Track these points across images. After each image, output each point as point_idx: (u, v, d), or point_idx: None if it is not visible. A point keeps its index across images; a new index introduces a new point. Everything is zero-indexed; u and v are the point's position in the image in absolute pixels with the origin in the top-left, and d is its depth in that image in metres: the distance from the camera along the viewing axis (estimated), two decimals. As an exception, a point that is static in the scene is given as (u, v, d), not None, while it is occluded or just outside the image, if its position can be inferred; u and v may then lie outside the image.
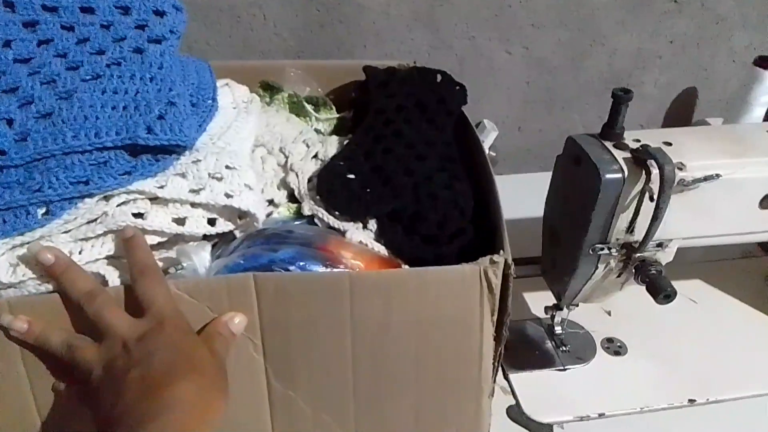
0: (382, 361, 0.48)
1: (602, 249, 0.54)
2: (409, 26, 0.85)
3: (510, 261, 0.47)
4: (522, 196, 0.69)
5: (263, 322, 0.45)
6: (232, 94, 0.64)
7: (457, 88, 0.70)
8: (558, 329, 0.67)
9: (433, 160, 0.60)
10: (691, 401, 0.61)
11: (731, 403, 0.62)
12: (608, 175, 0.50)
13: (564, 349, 0.67)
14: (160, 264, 0.49)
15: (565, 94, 0.95)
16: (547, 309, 0.66)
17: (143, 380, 0.38)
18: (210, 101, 0.57)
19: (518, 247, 0.63)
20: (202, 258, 0.49)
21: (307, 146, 0.63)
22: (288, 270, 0.46)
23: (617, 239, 0.54)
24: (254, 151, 0.60)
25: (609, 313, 0.72)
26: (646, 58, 0.95)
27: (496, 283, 0.47)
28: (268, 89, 0.73)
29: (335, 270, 0.48)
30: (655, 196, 0.49)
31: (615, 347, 0.67)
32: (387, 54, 0.87)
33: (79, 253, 0.46)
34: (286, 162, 0.60)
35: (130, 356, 0.39)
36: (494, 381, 0.55)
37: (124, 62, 0.51)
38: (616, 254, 0.55)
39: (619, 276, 0.57)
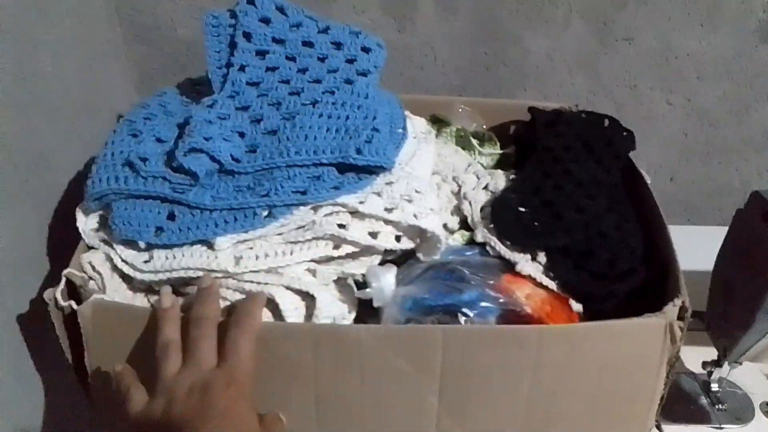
0: (557, 402, 0.50)
1: (784, 308, 0.53)
2: (570, 71, 0.88)
3: (688, 305, 0.48)
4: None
5: (445, 367, 0.48)
6: (411, 125, 0.70)
7: (625, 133, 0.71)
8: (715, 386, 0.65)
9: (602, 200, 0.62)
10: None
11: None
12: (800, 234, 0.50)
13: (720, 407, 0.65)
14: (351, 269, 0.54)
15: (724, 147, 0.93)
16: (705, 364, 0.65)
17: None
18: (401, 130, 0.62)
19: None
20: (388, 281, 0.54)
21: (477, 177, 0.67)
22: (471, 312, 0.50)
23: (801, 300, 0.53)
24: (431, 178, 0.65)
25: (769, 377, 0.69)
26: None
27: (680, 334, 0.48)
28: (437, 122, 0.78)
29: (524, 326, 0.49)
30: None
31: (776, 413, 0.65)
32: (546, 97, 0.90)
33: (291, 254, 0.52)
34: (459, 190, 0.65)
35: (186, 406, 0.42)
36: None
37: (336, 91, 0.58)
38: (798, 315, 0.53)
39: (796, 338, 0.56)
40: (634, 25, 0.84)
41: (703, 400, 0.66)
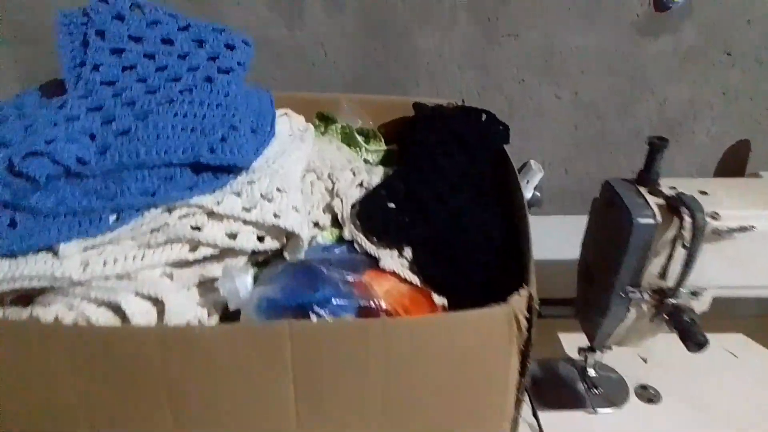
0: (412, 395, 0.50)
1: (633, 292, 0.55)
2: (460, 67, 0.89)
3: (535, 295, 0.49)
4: (565, 236, 0.71)
5: (296, 365, 0.47)
6: (289, 123, 0.69)
7: (501, 127, 0.73)
8: (591, 371, 0.67)
9: (467, 191, 0.63)
10: (724, 456, 0.60)
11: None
12: (640, 220, 0.52)
13: (596, 391, 0.66)
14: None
15: (613, 139, 0.96)
16: (580, 350, 0.67)
17: None
18: (268, 128, 0.62)
19: (557, 287, 0.65)
20: (244, 281, 0.53)
21: (354, 174, 0.67)
22: (323, 310, 0.49)
23: (649, 283, 0.55)
24: (305, 176, 0.65)
25: (645, 361, 0.71)
26: (698, 108, 0.95)
27: (525, 324, 0.49)
28: (324, 119, 0.78)
29: (368, 319, 0.49)
30: (688, 244, 0.50)
31: (649, 394, 0.67)
32: (438, 93, 0.91)
33: (141, 258, 0.51)
34: (333, 187, 0.64)
35: None
36: (518, 412, 0.56)
37: (195, 89, 0.57)
38: (649, 299, 0.55)
39: (651, 321, 0.58)
40: (518, 20, 0.86)
41: (580, 386, 0.68)
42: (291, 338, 0.46)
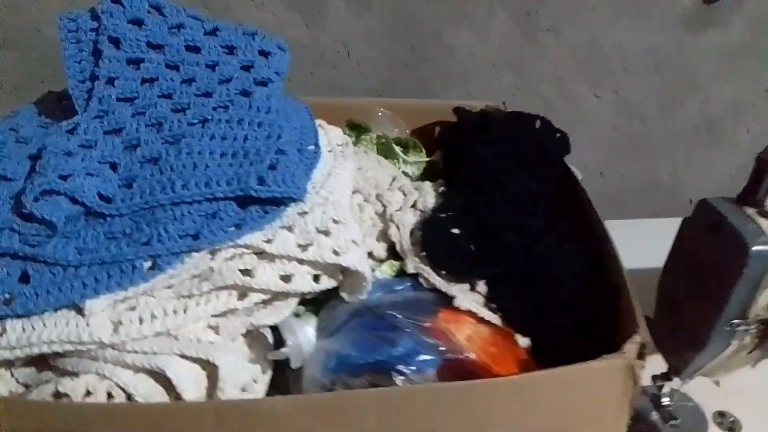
0: None
1: (739, 325, 0.49)
2: (495, 66, 0.82)
3: (648, 342, 0.43)
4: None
5: None
6: (326, 137, 0.61)
7: (558, 135, 0.66)
8: (666, 401, 0.62)
9: (539, 216, 0.56)
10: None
11: None
12: (757, 248, 0.45)
13: (673, 423, 0.61)
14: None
15: (653, 141, 0.91)
16: (655, 378, 0.61)
17: None
18: (312, 146, 0.54)
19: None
20: (306, 335, 0.45)
21: (404, 194, 0.59)
22: (408, 368, 0.42)
23: (756, 315, 0.49)
24: (351, 199, 0.57)
25: (717, 383, 0.66)
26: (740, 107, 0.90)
27: (640, 375, 0.42)
28: (355, 129, 0.70)
29: (468, 381, 0.41)
30: (812, 273, 0.44)
31: (728, 423, 0.62)
32: (471, 95, 0.83)
33: (184, 311, 0.42)
34: (385, 211, 0.57)
35: None
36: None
37: (231, 106, 0.49)
38: (754, 331, 0.49)
39: (750, 353, 0.52)
40: (559, 15, 0.79)
41: (654, 416, 0.62)
42: (377, 409, 0.39)
